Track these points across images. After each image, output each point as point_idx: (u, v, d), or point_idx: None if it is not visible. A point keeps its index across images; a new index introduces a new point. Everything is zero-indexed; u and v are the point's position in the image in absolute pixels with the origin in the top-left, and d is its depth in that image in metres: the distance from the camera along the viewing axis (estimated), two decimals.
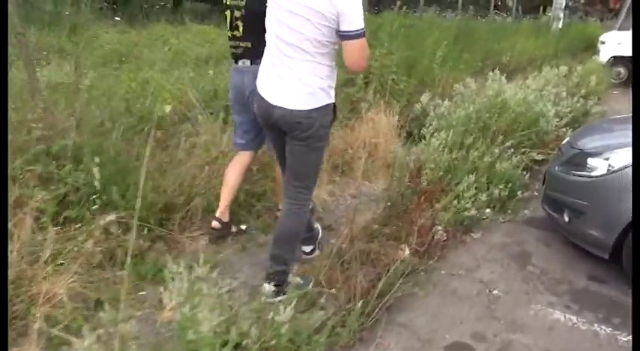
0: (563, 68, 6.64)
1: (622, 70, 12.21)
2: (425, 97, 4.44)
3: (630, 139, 2.60)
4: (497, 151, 3.99)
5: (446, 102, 4.31)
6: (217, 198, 2.86)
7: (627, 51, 12.06)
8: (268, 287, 2.28)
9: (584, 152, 2.93)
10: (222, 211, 2.84)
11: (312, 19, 2.00)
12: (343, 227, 2.95)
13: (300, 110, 2.09)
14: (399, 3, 7.25)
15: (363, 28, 2.02)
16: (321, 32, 2.02)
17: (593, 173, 2.77)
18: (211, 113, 3.63)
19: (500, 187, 3.58)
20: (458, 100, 4.76)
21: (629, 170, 2.59)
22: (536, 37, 11.46)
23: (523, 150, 4.50)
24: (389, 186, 3.20)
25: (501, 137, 4.44)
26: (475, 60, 7.34)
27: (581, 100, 6.00)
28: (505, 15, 15.85)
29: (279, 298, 2.17)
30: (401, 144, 4.22)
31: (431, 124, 4.13)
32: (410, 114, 4.72)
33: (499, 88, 4.80)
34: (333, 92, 2.17)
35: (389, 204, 3.06)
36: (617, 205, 2.63)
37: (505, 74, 7.82)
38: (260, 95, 2.18)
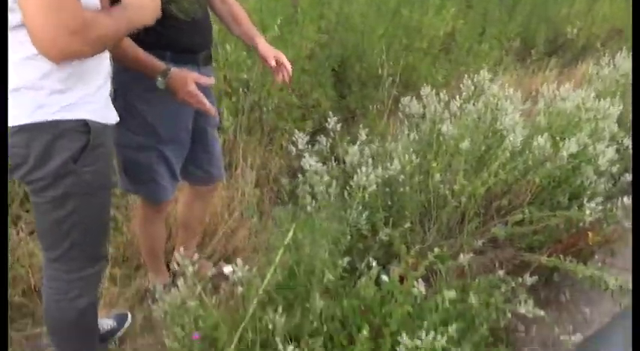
0: None
1: None
2: (302, 138, 2.07)
3: None
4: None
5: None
6: None
7: None
8: None
9: None
10: None
11: None
12: None
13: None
14: None
15: None
16: None
17: None
18: None
19: None
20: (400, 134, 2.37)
21: None
22: None
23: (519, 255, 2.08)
24: None
25: (473, 225, 2.07)
26: (508, 36, 4.67)
27: None
28: None
29: None
30: None
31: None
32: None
33: (489, 104, 2.34)
34: (73, 97, 1.15)
35: None
36: None
37: (561, 59, 5.12)
38: None
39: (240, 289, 1.40)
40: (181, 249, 1.35)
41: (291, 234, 1.46)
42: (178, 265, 1.35)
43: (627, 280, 1.82)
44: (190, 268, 1.34)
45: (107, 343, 1.67)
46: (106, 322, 1.70)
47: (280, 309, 1.39)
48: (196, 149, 1.69)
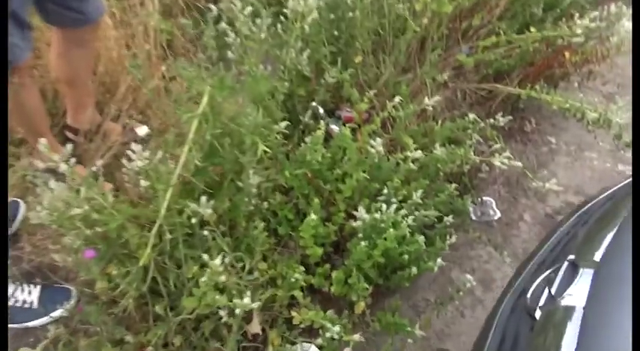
0: None
1: None
2: None
3: None
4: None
5: None
6: None
7: None
8: None
9: None
10: None
11: None
12: None
13: None
14: None
15: None
16: None
17: None
18: None
19: None
20: None
21: None
22: None
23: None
24: None
25: (436, 54, 1.71)
26: None
27: None
28: None
29: None
30: None
31: None
32: None
33: None
34: None
35: None
36: None
37: None
38: None
39: (144, 182, 1.05)
40: (43, 139, 0.94)
41: (205, 100, 1.06)
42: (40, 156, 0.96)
43: (607, 107, 1.60)
44: (64, 166, 0.96)
45: None
46: None
47: (204, 198, 1.08)
48: None
